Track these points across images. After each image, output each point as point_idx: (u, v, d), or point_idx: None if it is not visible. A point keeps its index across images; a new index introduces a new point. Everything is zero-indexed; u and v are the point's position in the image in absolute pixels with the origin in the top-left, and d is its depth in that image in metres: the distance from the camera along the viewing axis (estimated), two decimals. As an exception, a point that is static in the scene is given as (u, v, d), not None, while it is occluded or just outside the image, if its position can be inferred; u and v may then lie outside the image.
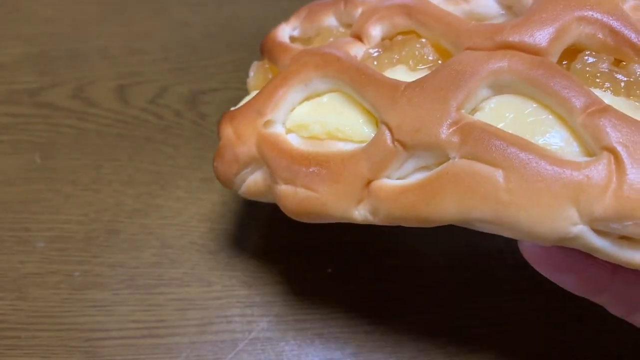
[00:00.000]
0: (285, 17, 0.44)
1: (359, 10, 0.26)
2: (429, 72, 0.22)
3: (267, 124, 0.25)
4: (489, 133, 0.19)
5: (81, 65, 0.41)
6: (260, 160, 0.25)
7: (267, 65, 0.28)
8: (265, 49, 0.28)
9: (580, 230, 0.18)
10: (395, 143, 0.21)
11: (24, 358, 0.28)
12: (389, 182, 0.21)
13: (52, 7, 0.44)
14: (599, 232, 0.18)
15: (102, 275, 0.31)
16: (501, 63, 0.20)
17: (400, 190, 0.21)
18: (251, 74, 0.29)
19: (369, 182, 0.22)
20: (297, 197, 0.23)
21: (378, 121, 0.22)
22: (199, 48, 0.43)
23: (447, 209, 0.20)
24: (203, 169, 0.36)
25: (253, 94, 0.27)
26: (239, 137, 0.25)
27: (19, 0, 0.45)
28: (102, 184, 0.35)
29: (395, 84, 0.22)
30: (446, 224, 0.20)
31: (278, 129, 0.25)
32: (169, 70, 0.41)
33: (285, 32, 0.29)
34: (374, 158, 0.21)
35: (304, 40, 0.28)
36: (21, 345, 0.29)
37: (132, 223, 0.33)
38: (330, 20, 0.27)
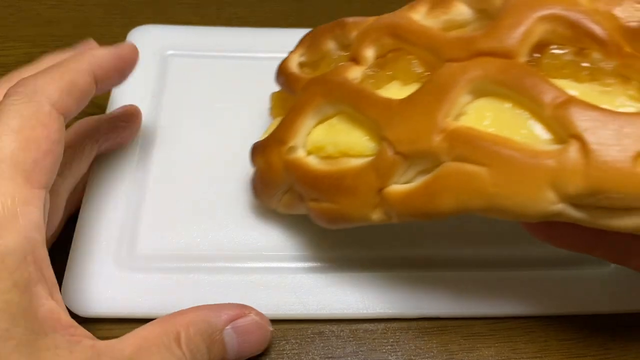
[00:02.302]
0: (284, 18, 0.44)
1: (354, 34, 0.29)
2: (419, 85, 0.25)
3: (290, 150, 0.28)
4: (472, 136, 0.22)
5: (83, 66, 0.41)
6: (289, 181, 0.28)
7: (283, 94, 0.32)
8: (280, 80, 0.32)
9: (560, 207, 0.21)
10: (396, 155, 0.24)
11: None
12: (396, 188, 0.25)
13: (55, 9, 0.45)
14: (577, 207, 0.21)
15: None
16: (477, 72, 0.23)
17: (406, 194, 0.24)
18: (271, 103, 0.33)
19: (380, 190, 0.25)
20: (324, 210, 0.27)
21: (379, 137, 0.25)
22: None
23: (447, 205, 0.23)
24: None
25: (275, 122, 0.31)
26: (269, 165, 0.29)
27: (21, 1, 0.45)
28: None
29: (388, 103, 0.25)
30: (449, 216, 0.23)
31: (300, 153, 0.28)
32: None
33: (294, 61, 0.32)
34: (381, 170, 0.25)
35: (311, 64, 0.31)
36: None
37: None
38: (330, 45, 0.30)
